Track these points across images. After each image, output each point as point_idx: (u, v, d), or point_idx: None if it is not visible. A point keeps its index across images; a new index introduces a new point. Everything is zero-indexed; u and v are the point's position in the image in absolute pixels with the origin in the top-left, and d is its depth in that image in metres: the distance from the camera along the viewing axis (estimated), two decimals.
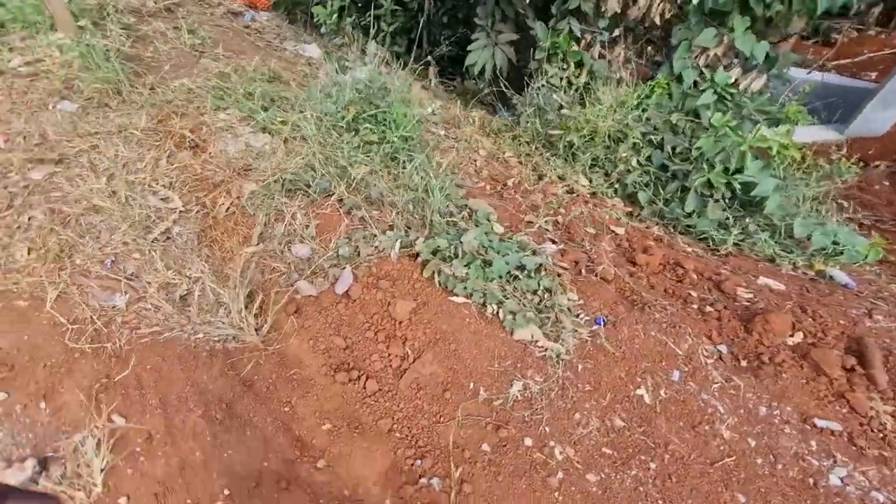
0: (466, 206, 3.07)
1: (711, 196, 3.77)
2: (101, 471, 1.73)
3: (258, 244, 2.48)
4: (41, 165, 2.76)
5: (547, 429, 1.92)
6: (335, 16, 5.66)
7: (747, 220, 3.72)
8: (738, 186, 3.64)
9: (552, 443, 1.89)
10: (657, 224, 3.84)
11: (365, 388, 2.00)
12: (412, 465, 1.80)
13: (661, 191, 3.93)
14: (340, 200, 2.67)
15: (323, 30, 5.95)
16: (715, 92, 3.84)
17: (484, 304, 2.28)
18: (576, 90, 4.24)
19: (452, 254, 2.42)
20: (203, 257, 2.40)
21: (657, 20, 4.57)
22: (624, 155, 4.00)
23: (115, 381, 1.97)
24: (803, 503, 1.84)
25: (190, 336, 2.13)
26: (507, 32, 5.11)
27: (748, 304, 2.70)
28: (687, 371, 2.19)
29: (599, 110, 4.08)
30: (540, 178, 4.03)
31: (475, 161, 4.05)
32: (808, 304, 2.75)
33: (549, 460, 1.84)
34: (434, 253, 2.43)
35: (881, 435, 2.10)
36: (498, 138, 4.50)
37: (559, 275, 2.52)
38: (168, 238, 2.49)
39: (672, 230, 3.77)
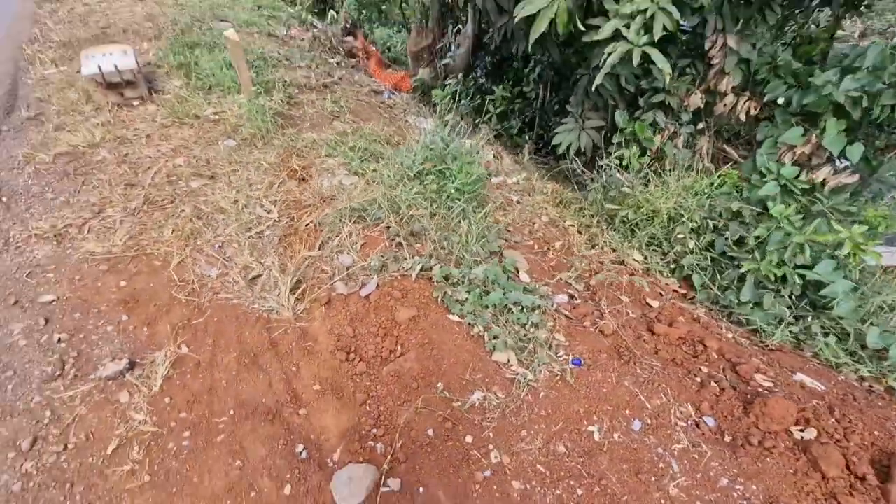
0: (500, 252, 3.50)
1: (771, 288, 3.66)
2: (162, 377, 2.44)
3: (317, 251, 3.21)
4: (200, 179, 3.93)
5: (491, 434, 2.17)
6: (449, 98, 6.76)
7: (810, 319, 3.51)
8: (797, 281, 3.51)
9: (491, 447, 2.13)
10: (708, 309, 3.80)
11: (355, 367, 2.48)
12: (368, 430, 2.19)
13: (718, 276, 3.91)
14: (388, 227, 3.33)
15: (438, 108, 7.09)
16: (779, 184, 3.82)
17: (473, 325, 2.65)
18: (639, 172, 4.50)
19: (461, 282, 2.86)
20: (277, 254, 3.20)
21: (742, 117, 4.72)
22: (681, 236, 4.10)
23: (192, 323, 2.75)
24: None
25: (249, 305, 2.86)
26: (595, 119, 5.61)
27: (761, 390, 2.61)
28: (650, 425, 2.25)
29: (664, 192, 4.28)
30: (593, 247, 4.28)
31: (534, 223, 4.47)
32: (842, 407, 2.57)
33: (482, 459, 2.08)
34: (446, 278, 2.90)
35: None
36: (565, 209, 4.88)
37: (554, 319, 2.78)
38: (259, 237, 3.36)
39: (721, 317, 3.70)
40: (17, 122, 4.71)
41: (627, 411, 2.30)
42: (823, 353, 3.26)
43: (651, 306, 3.50)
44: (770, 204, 3.76)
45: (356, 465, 2.03)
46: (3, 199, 3.74)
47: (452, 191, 3.79)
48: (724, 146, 5.15)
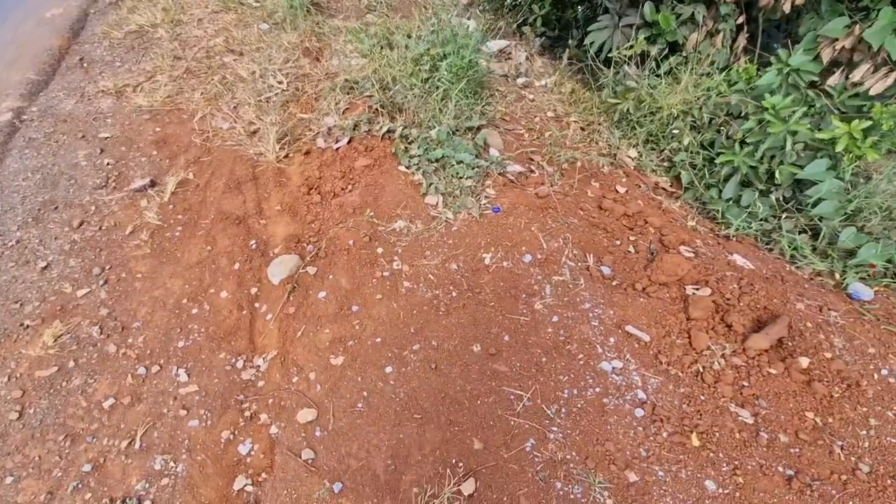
0: (476, 129, 3.83)
1: (760, 188, 3.66)
2: (170, 192, 3.23)
3: (310, 114, 3.78)
4: (231, 55, 4.62)
5: (399, 250, 2.70)
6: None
7: (784, 217, 3.52)
8: (779, 178, 3.51)
9: (396, 258, 2.66)
10: (689, 205, 3.90)
11: (312, 198, 3.09)
12: (306, 238, 2.82)
13: (708, 175, 3.96)
14: (370, 97, 3.79)
15: (480, 8, 7.12)
16: (782, 73, 3.65)
17: (415, 174, 3.11)
18: (657, 68, 4.42)
19: (416, 140, 3.29)
20: (278, 114, 3.82)
21: (787, 8, 4.39)
22: (676, 131, 4.12)
23: (200, 160, 3.51)
24: (562, 367, 2.20)
25: (245, 150, 3.55)
26: (634, 15, 5.43)
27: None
28: (540, 260, 2.63)
29: (671, 87, 4.26)
30: (590, 142, 4.43)
31: (535, 117, 4.67)
32: (755, 280, 2.74)
33: (386, 265, 2.63)
34: (405, 138, 3.34)
35: (694, 367, 2.21)
36: (573, 107, 4.98)
37: (494, 179, 3.15)
38: (267, 101, 4.00)
39: (697, 213, 3.80)
40: (102, 7, 5.67)
41: (524, 248, 2.69)
42: (783, 245, 3.32)
43: (617, 191, 3.69)
44: (767, 95, 3.64)
45: (287, 255, 2.68)
46: (84, 65, 4.71)
47: (444, 72, 4.10)
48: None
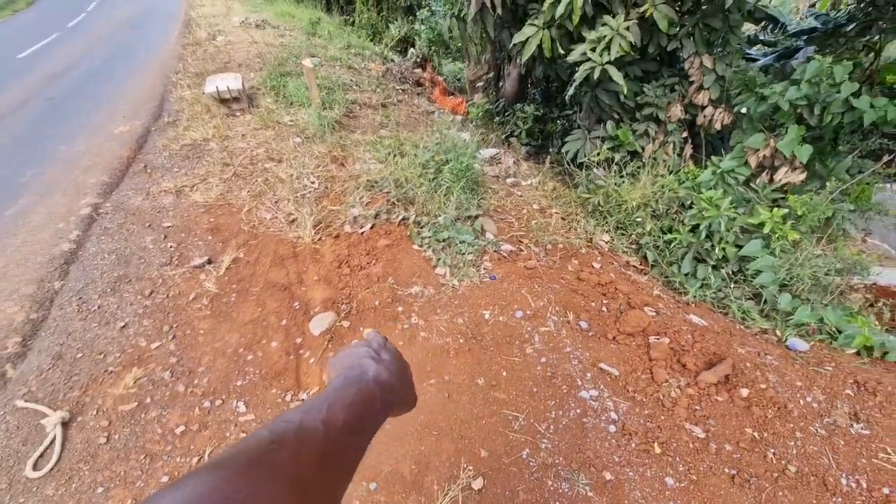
0: (474, 217, 4.66)
1: (710, 263, 4.41)
2: (225, 268, 3.93)
3: (338, 206, 4.62)
4: (271, 161, 5.60)
5: (416, 309, 3.34)
6: (482, 115, 8.09)
7: (733, 286, 4.23)
8: (720, 254, 4.27)
9: (413, 315, 3.29)
10: (655, 280, 4.62)
11: (342, 271, 3.79)
12: (339, 300, 3.46)
13: (668, 255, 4.73)
14: (388, 193, 4.66)
15: (473, 124, 8.44)
16: (714, 173, 4.58)
17: (426, 250, 3.84)
18: (620, 172, 5.40)
19: (427, 225, 4.08)
20: (312, 207, 4.66)
21: (718, 126, 5.51)
22: (639, 219, 4.97)
23: (248, 242, 4.26)
24: (549, 395, 2.75)
25: (285, 235, 4.32)
26: (600, 130, 6.60)
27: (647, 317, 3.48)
28: (529, 315, 3.27)
29: (633, 185, 5.20)
30: (569, 229, 5.26)
31: (523, 209, 5.56)
32: (708, 334, 3.37)
33: (405, 320, 3.25)
34: (418, 223, 4.14)
35: (655, 395, 2.77)
36: (555, 201, 5.91)
37: (490, 255, 3.88)
38: (303, 197, 4.86)
39: (662, 286, 4.50)
40: (161, 125, 6.83)
41: (516, 306, 3.34)
42: (732, 309, 3.98)
43: (593, 266, 4.42)
44: (704, 189, 4.54)
45: (325, 312, 3.31)
46: (148, 170, 5.66)
47: (447, 174, 5.05)
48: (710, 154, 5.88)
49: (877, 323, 3.96)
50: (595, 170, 5.54)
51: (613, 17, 4.94)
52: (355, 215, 4.46)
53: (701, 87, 5.52)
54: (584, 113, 6.82)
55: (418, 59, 13.08)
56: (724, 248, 4.34)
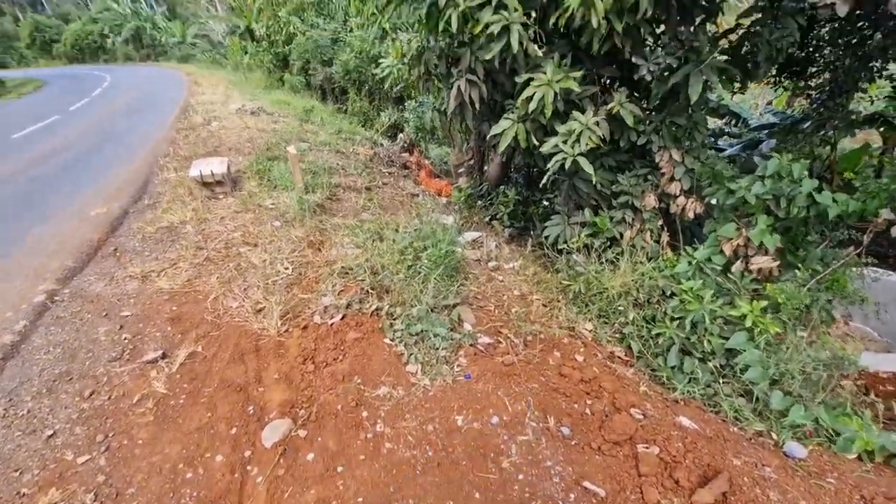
0: (452, 307, 4.42)
1: (697, 356, 4.17)
2: (179, 364, 3.57)
3: (309, 295, 4.37)
4: (246, 246, 5.41)
5: (382, 414, 2.98)
6: (466, 199, 8.14)
7: (721, 382, 3.96)
8: (708, 347, 4.04)
9: (379, 421, 2.93)
10: (641, 372, 4.34)
11: (307, 368, 3.45)
12: (299, 403, 3.10)
13: (653, 345, 4.49)
14: (362, 281, 4.43)
15: (456, 207, 8.46)
16: (690, 264, 4.47)
17: (398, 345, 3.55)
18: (599, 257, 5.29)
19: (400, 317, 3.82)
20: (282, 295, 4.39)
21: (691, 215, 5.50)
22: (622, 308, 4.78)
23: (210, 334, 3.93)
24: None
25: (251, 325, 4.01)
26: (579, 216, 6.58)
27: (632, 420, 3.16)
28: (506, 421, 2.93)
29: (613, 272, 5.06)
30: (551, 317, 5.04)
31: (503, 295, 5.35)
32: (700, 441, 3.06)
33: (370, 427, 2.89)
34: (390, 315, 3.88)
35: None
36: (536, 286, 5.73)
37: (465, 350, 3.60)
38: (274, 283, 4.61)
39: (649, 380, 4.22)
40: (140, 207, 6.69)
41: (491, 410, 3.00)
42: (723, 408, 3.67)
43: (576, 360, 4.14)
44: (683, 280, 4.40)
45: (280, 419, 2.94)
46: (118, 254, 5.41)
47: (425, 261, 4.88)
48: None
49: (872, 419, 3.68)
50: (575, 256, 5.43)
51: (583, 113, 5.08)
52: (326, 305, 4.19)
53: (672, 178, 5.60)
54: (562, 199, 6.86)
55: (406, 144, 13.51)
56: (709, 341, 4.12)
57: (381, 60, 7.49)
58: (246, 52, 26.20)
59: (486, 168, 11.96)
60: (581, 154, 4.88)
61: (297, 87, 19.67)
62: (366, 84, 17.55)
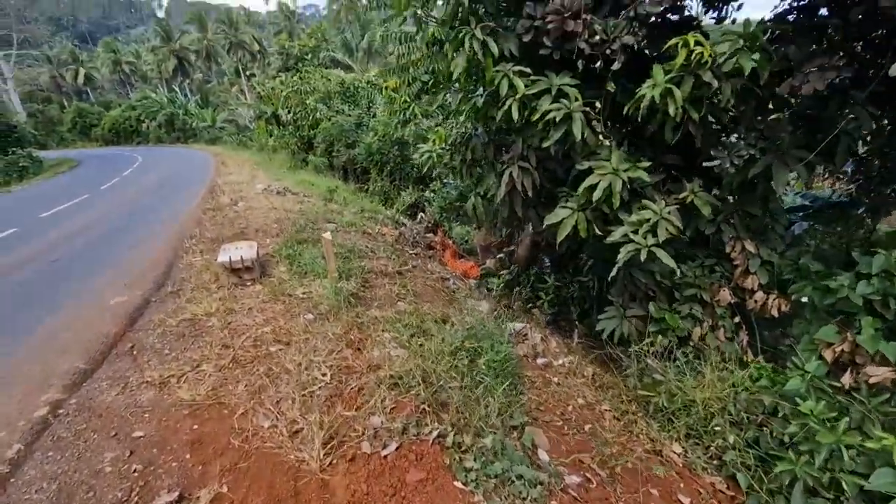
0: (521, 428, 3.68)
1: (826, 497, 3.36)
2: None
3: (354, 412, 3.66)
4: (278, 344, 4.78)
5: None
6: (503, 285, 7.58)
7: None
8: (847, 489, 3.24)
9: None
10: None
11: None
12: None
13: (764, 478, 3.68)
14: (417, 395, 3.74)
15: (493, 293, 7.88)
16: (805, 380, 3.75)
17: (474, 493, 2.79)
18: (674, 361, 4.59)
19: (471, 450, 3.08)
20: (321, 411, 3.69)
21: (774, 313, 4.86)
22: (718, 428, 4.00)
23: (238, 466, 3.19)
24: None
25: (286, 454, 3.27)
26: (636, 308, 5.95)
27: None
28: None
29: (699, 382, 4.33)
30: (629, 434, 4.25)
31: (568, 405, 4.60)
32: None
33: None
34: (458, 445, 3.14)
35: None
36: (602, 393, 4.98)
37: (559, 498, 2.82)
38: (311, 395, 3.92)
39: None
40: (162, 295, 6.16)
41: None
42: None
43: (680, 501, 3.32)
44: (799, 400, 3.66)
45: None
46: (135, 352, 4.79)
47: (482, 367, 4.20)
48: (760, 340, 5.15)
49: None
50: (651, 361, 4.72)
51: (650, 201, 4.63)
52: (376, 427, 3.47)
53: (747, 271, 5.02)
54: (617, 289, 6.27)
55: (430, 224, 13.25)
56: (843, 480, 3.31)
57: (419, 146, 7.29)
58: (271, 135, 27.25)
59: (513, 249, 11.53)
60: (658, 245, 4.36)
61: (321, 167, 20.04)
62: (387, 165, 17.77)
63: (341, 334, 4.93)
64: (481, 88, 5.38)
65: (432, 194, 16.96)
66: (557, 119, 4.20)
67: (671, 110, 3.85)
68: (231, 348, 4.75)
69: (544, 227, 5.13)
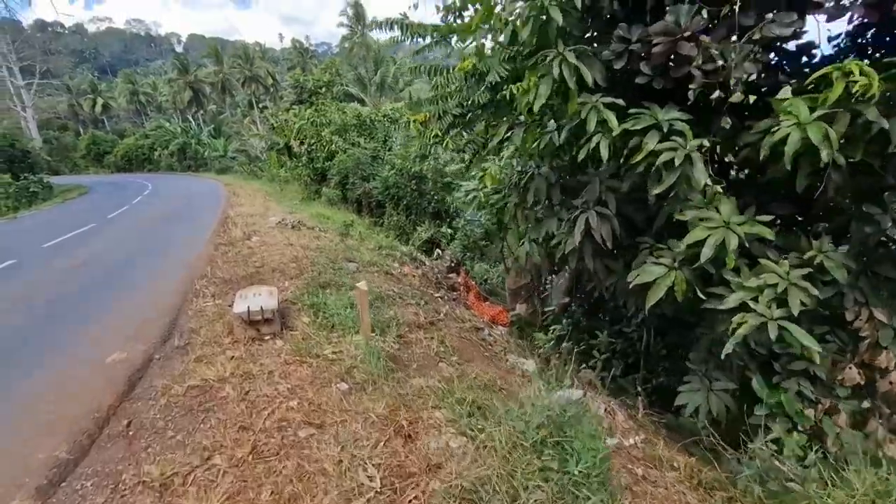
0: None
1: None
2: None
3: None
4: (308, 427, 3.79)
5: None
6: (553, 342, 6.62)
7: None
8: None
9: None
10: None
11: None
12: None
13: None
14: None
15: (541, 351, 6.90)
16: None
17: None
18: (801, 460, 3.62)
19: None
20: None
21: None
22: None
23: None
24: None
25: None
26: (725, 380, 4.97)
27: None
28: None
29: (849, 494, 3.33)
30: None
31: None
32: None
33: None
34: None
35: None
36: (708, 495, 3.95)
37: None
38: None
39: None
40: (168, 351, 5.21)
41: None
42: None
43: None
44: None
45: None
46: (131, 432, 3.81)
47: (575, 472, 3.22)
48: None
49: None
50: (788, 469, 3.69)
51: (776, 262, 3.75)
52: None
53: (877, 345, 4.09)
54: (697, 355, 5.31)
55: (452, 264, 12.37)
56: None
57: (462, 184, 6.48)
58: (282, 166, 26.75)
59: (546, 294, 10.59)
60: (792, 318, 3.45)
61: (334, 199, 19.36)
62: (403, 199, 17.06)
63: (386, 415, 3.95)
64: (551, 122, 4.59)
65: (448, 230, 16.14)
66: (676, 162, 3.36)
67: (824, 155, 3.01)
68: (250, 430, 3.76)
69: (630, 284, 4.23)
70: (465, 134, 9.24)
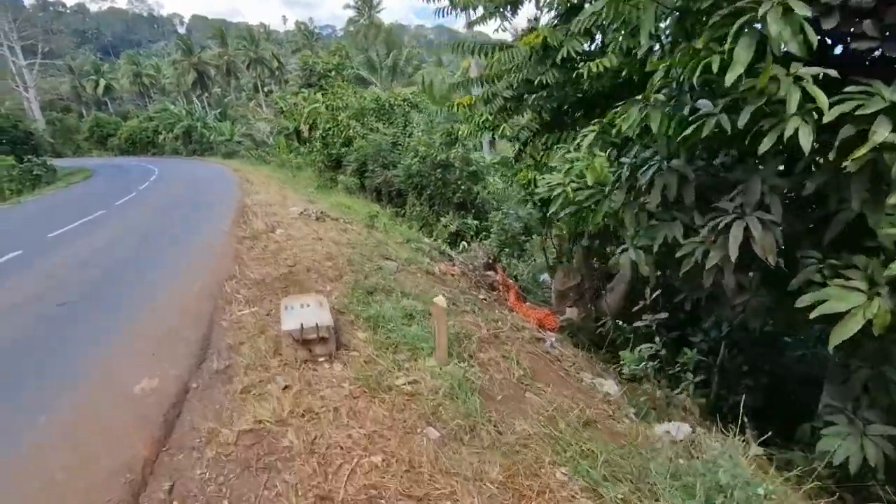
0: None
1: None
2: None
3: None
4: (408, 500, 2.86)
5: None
6: (642, 363, 5.69)
7: None
8: None
9: None
10: None
11: None
12: None
13: None
14: None
15: (624, 371, 5.97)
16: None
17: None
18: None
19: None
20: None
21: None
22: None
23: None
24: None
25: None
26: (878, 423, 4.05)
27: None
28: None
29: None
30: None
31: None
32: None
33: None
34: None
35: None
36: None
37: None
38: None
39: None
40: (206, 377, 4.25)
41: None
42: None
43: None
44: None
45: None
46: (175, 502, 2.88)
47: None
48: None
49: None
50: None
51: None
52: None
53: None
54: (837, 389, 4.40)
55: (489, 260, 11.39)
56: None
57: (543, 177, 5.47)
58: (292, 151, 25.57)
59: (599, 297, 9.66)
60: None
61: (352, 188, 18.29)
62: (427, 189, 16.02)
63: (503, 481, 3.01)
64: (700, 101, 3.58)
65: (474, 222, 15.13)
66: None
67: None
68: (331, 502, 2.83)
69: (811, 315, 3.26)
70: (519, 118, 8.21)
